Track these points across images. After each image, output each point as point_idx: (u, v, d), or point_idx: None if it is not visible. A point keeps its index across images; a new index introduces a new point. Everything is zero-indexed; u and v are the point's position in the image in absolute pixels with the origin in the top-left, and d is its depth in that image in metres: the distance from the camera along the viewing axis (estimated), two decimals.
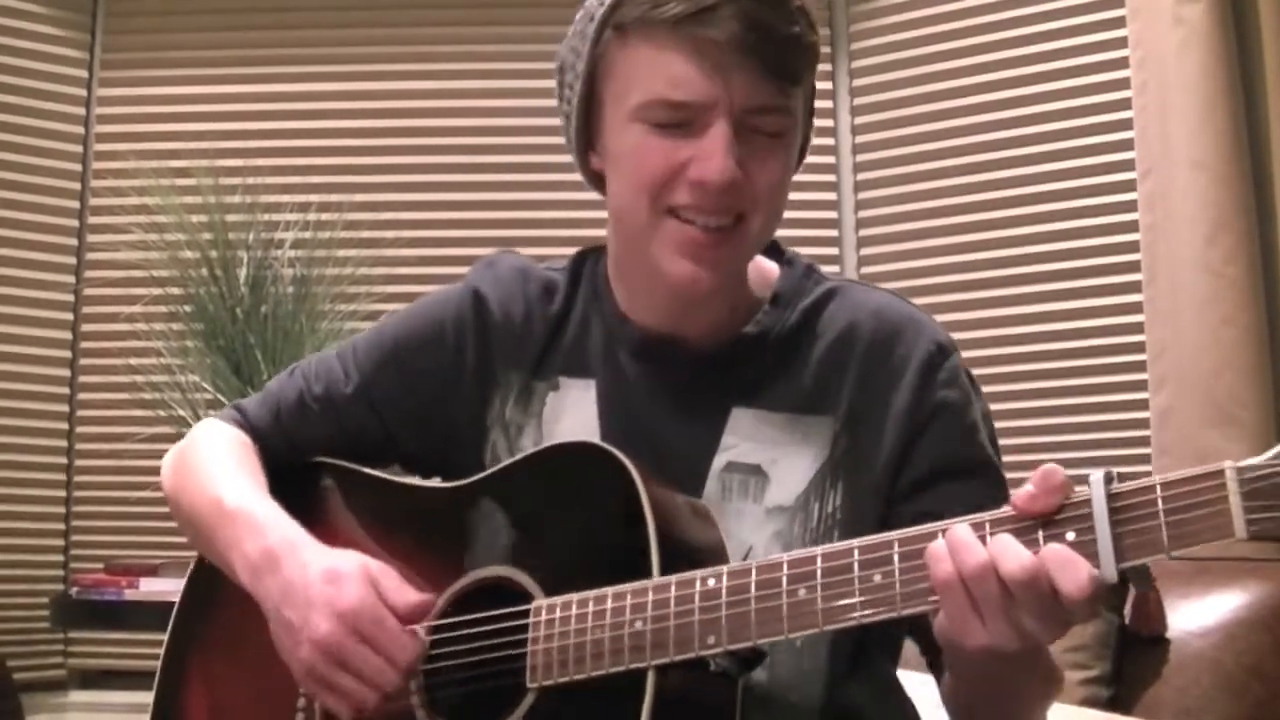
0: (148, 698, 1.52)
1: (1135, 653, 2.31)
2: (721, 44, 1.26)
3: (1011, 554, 1.03)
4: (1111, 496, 1.02)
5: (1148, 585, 1.05)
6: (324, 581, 1.28)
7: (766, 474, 1.35)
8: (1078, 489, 1.04)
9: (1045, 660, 1.23)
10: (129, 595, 3.02)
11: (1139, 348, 3.06)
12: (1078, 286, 3.27)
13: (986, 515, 1.07)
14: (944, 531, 1.08)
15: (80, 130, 3.74)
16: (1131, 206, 3.11)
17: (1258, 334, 2.88)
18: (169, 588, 2.87)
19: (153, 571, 3.04)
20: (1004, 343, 3.33)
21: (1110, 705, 2.25)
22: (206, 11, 3.78)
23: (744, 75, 1.27)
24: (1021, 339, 3.32)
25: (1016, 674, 1.18)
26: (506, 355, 1.45)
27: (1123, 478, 1.03)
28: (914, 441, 1.34)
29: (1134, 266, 3.10)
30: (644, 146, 1.31)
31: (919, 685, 1.39)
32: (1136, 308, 3.09)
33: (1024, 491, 1.05)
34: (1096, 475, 1.03)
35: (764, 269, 1.45)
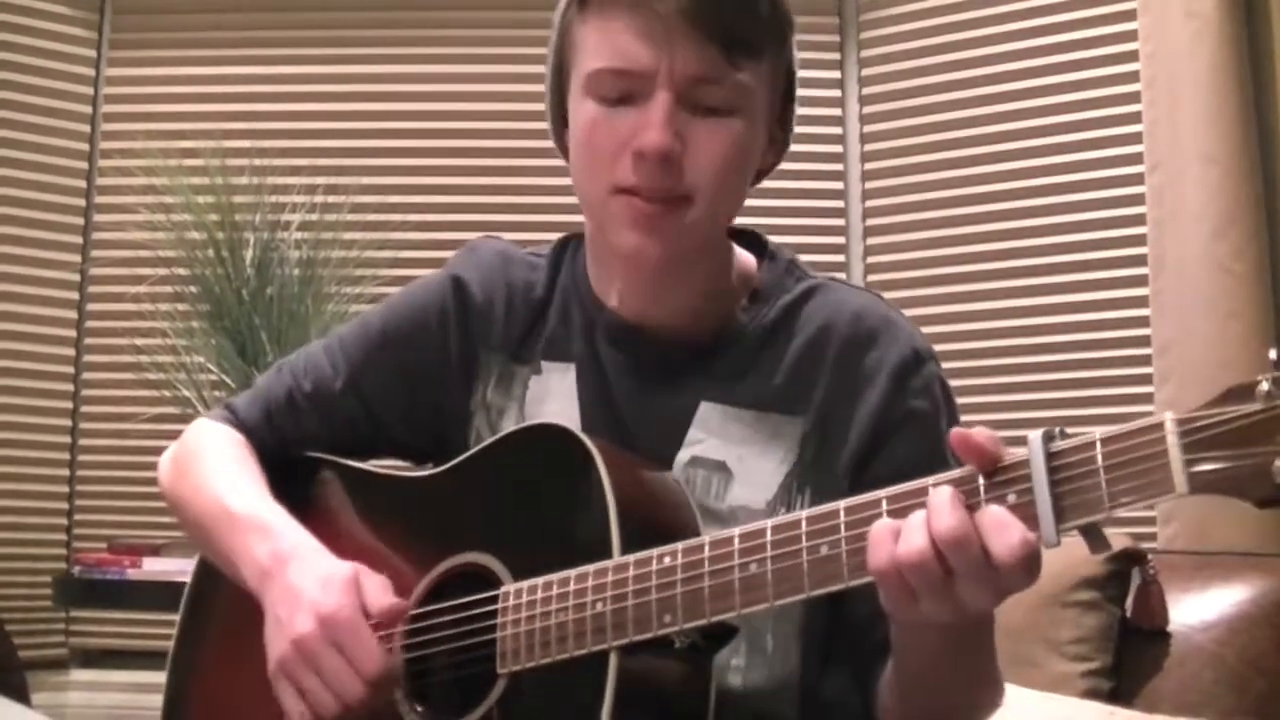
0: (149, 677, 1.53)
1: (1137, 646, 2.31)
2: (666, 15, 1.26)
3: (943, 512, 1.01)
4: (1050, 456, 0.99)
5: (1104, 546, 1.02)
6: (316, 585, 1.28)
7: (731, 471, 1.35)
8: (1018, 450, 1.02)
9: (986, 660, 1.23)
10: (131, 575, 3.03)
11: (1145, 341, 3.05)
12: (1084, 280, 3.26)
13: (930, 480, 1.06)
14: (887, 499, 1.07)
15: (88, 110, 3.73)
16: (1139, 200, 3.10)
17: (1264, 329, 2.88)
18: (172, 568, 2.88)
19: (155, 551, 3.04)
20: (1009, 334, 3.32)
21: (1111, 698, 2.26)
22: None
23: (688, 44, 1.26)
24: (1027, 331, 3.31)
25: (952, 657, 1.17)
26: (487, 340, 1.46)
27: (1066, 435, 1.00)
28: (878, 446, 1.32)
29: (1141, 260, 3.09)
30: (593, 122, 1.32)
31: None
32: (1143, 302, 3.08)
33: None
34: (1035, 434, 1.00)
35: (744, 262, 1.44)
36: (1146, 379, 3.03)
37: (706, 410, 1.37)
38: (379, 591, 1.29)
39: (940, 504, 1.02)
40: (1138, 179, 3.11)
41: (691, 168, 1.29)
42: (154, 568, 2.99)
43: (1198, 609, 2.29)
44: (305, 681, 1.26)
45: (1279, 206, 2.96)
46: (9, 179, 3.62)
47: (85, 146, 3.72)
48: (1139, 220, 3.10)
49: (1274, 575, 2.30)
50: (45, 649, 3.56)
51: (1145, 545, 2.39)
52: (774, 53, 1.34)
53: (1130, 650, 2.32)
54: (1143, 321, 3.07)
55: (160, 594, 2.76)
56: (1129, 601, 2.32)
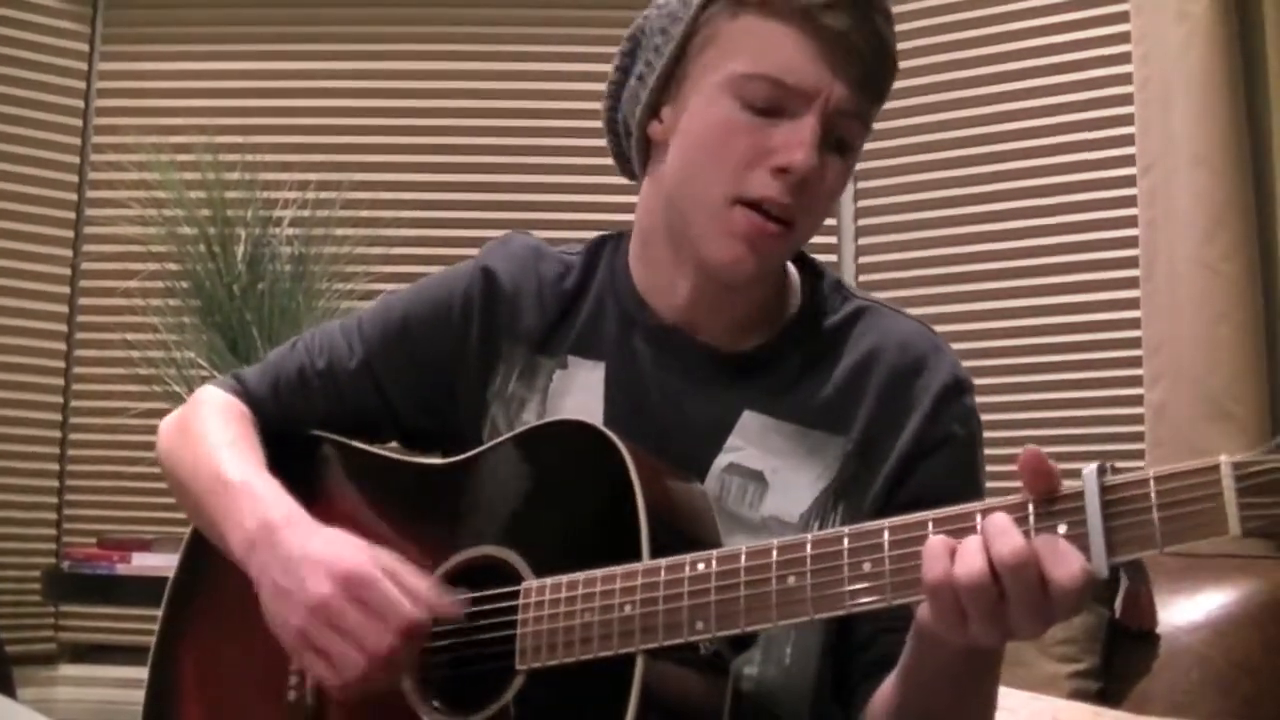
0: (138, 673, 1.52)
1: (1125, 647, 2.32)
2: (842, 35, 1.26)
3: (1005, 536, 1.01)
4: (1105, 489, 1.00)
5: (1141, 580, 1.03)
6: (323, 548, 1.26)
7: (767, 482, 1.34)
8: (1071, 483, 1.02)
9: (992, 681, 1.24)
10: (121, 570, 3.02)
11: (1136, 343, 3.06)
12: (1076, 281, 3.26)
13: (978, 505, 1.06)
14: (933, 520, 1.07)
15: (81, 105, 3.72)
16: (1131, 202, 3.10)
17: (1254, 331, 2.89)
18: (161, 563, 2.87)
19: (145, 546, 3.04)
20: (1000, 335, 3.32)
21: (1099, 698, 2.26)
22: None
23: (849, 75, 1.28)
24: (1018, 331, 3.31)
25: (965, 676, 1.18)
26: (513, 329, 1.44)
27: (1118, 470, 1.01)
28: (913, 468, 1.33)
29: (1132, 262, 3.10)
30: (732, 123, 1.29)
31: None
32: (1134, 303, 3.08)
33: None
34: (1090, 468, 1.01)
35: (792, 277, 1.44)
36: (1137, 380, 3.04)
37: (749, 419, 1.36)
38: (411, 571, 1.26)
39: (1001, 528, 1.02)
40: (1130, 180, 3.11)
41: (809, 196, 1.30)
42: (143, 562, 2.98)
43: (1186, 610, 2.30)
44: (330, 644, 1.22)
45: (1270, 209, 2.97)
46: (1, 174, 3.61)
47: (77, 141, 3.71)
48: (1131, 222, 3.11)
49: (1261, 577, 2.31)
50: (34, 644, 3.55)
51: None
52: (881, 103, 1.36)
53: (1118, 651, 2.32)
54: (1134, 323, 3.08)
55: (149, 589, 2.73)
56: (1117, 602, 2.33)
